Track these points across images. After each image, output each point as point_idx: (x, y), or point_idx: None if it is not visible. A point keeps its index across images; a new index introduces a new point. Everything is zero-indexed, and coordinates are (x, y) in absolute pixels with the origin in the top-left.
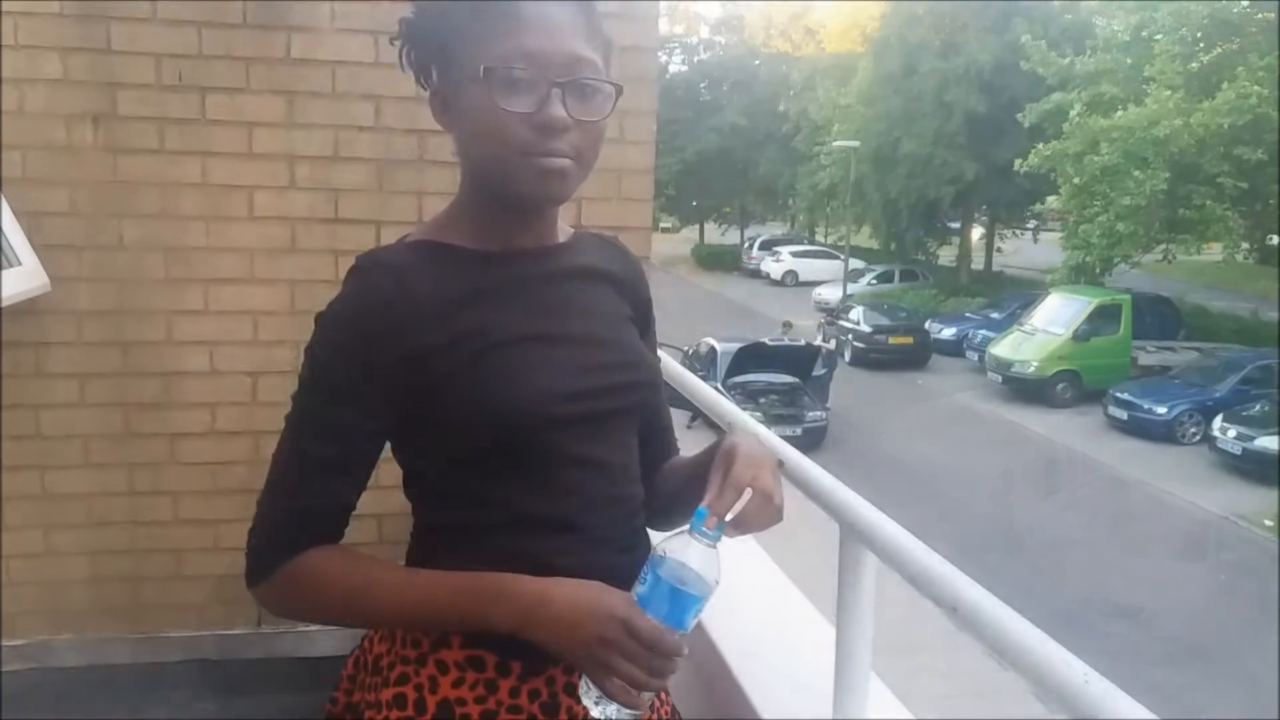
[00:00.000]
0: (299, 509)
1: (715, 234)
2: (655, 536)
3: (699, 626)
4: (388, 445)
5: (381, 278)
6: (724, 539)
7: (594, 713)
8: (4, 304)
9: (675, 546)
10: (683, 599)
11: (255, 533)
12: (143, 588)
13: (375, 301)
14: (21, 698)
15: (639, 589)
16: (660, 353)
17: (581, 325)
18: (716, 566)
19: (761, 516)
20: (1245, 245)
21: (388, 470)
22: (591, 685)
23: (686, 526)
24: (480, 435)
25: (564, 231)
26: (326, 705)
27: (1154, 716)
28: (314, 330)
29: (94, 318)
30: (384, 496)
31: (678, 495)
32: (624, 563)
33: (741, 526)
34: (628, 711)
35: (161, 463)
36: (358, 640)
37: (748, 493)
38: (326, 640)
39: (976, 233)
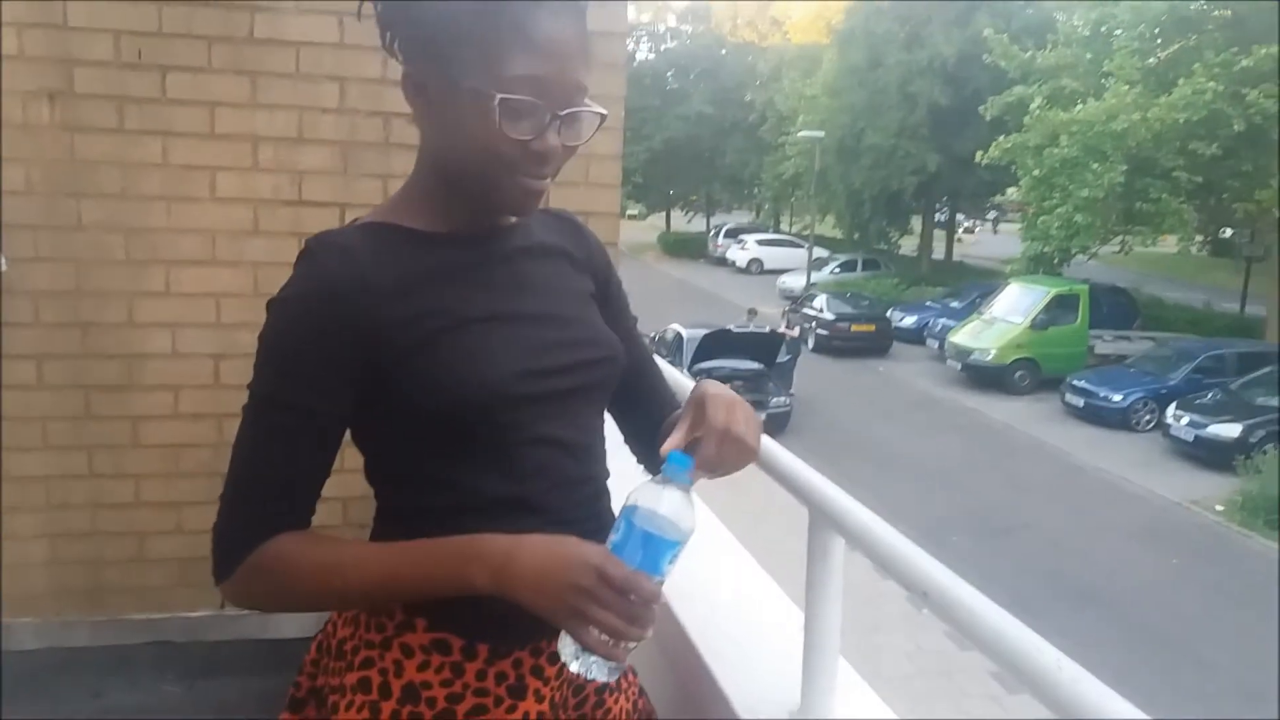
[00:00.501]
0: (262, 499)
1: (682, 222)
2: None
3: (667, 610)
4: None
5: (332, 260)
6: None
7: (572, 667)
8: None
9: (647, 493)
10: (657, 545)
11: (220, 527)
12: (104, 571)
13: (326, 284)
14: None
15: (613, 538)
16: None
17: (537, 303)
18: (691, 511)
19: (736, 457)
20: (1199, 238)
21: (352, 453)
22: (569, 640)
23: (662, 475)
24: (438, 417)
25: None
26: (290, 690)
27: (1125, 703)
28: (266, 317)
29: (52, 298)
30: (349, 480)
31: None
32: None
33: (716, 469)
34: (607, 665)
35: (123, 445)
36: (321, 623)
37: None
38: (290, 623)
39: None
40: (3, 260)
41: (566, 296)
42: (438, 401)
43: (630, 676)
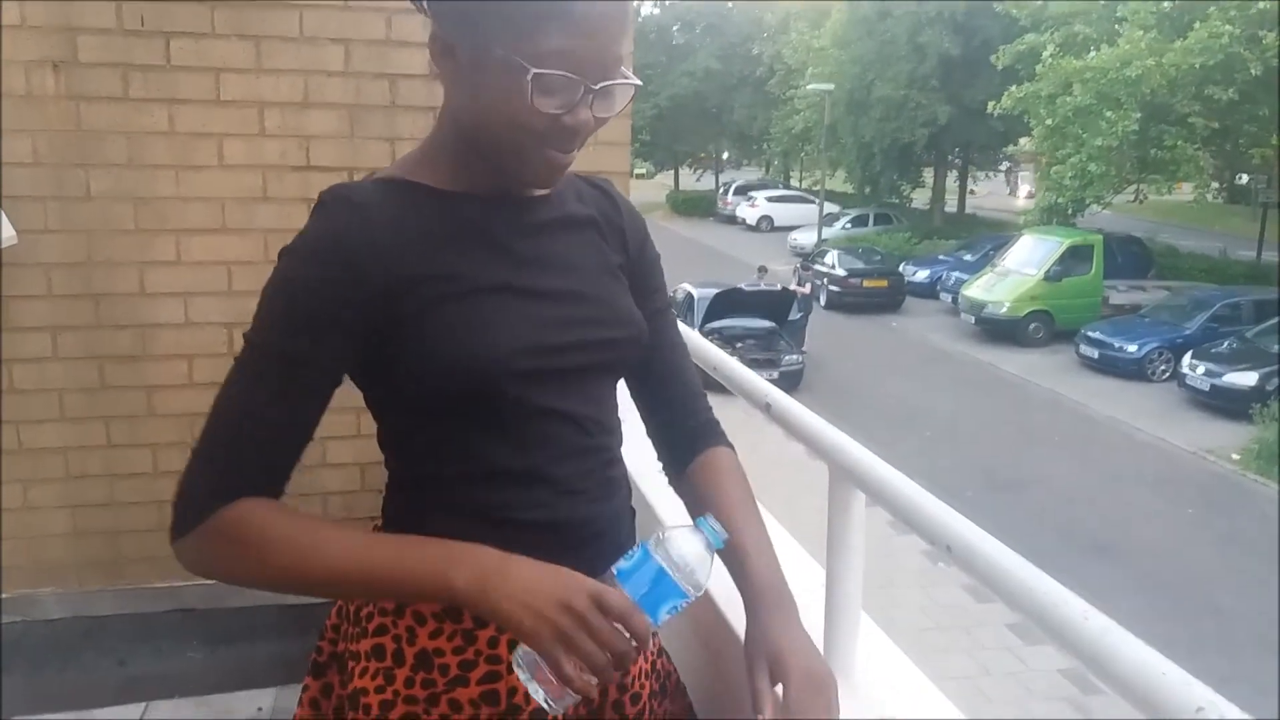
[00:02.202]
0: (238, 453)
1: (690, 180)
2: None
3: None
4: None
5: (344, 213)
6: None
7: (522, 680)
8: None
9: (677, 534)
10: (666, 588)
11: (188, 478)
12: (124, 540)
13: (336, 238)
14: (8, 650)
15: (623, 563)
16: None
17: (558, 279)
18: (708, 573)
19: None
20: (1215, 185)
21: (368, 419)
22: (529, 658)
23: (691, 523)
24: (443, 384)
25: None
26: (311, 655)
27: (1154, 653)
28: (272, 275)
29: (63, 270)
30: (366, 446)
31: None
32: (597, 513)
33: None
34: (561, 697)
35: (139, 415)
36: None
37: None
38: None
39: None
40: (10, 230)
41: (589, 272)
42: (441, 369)
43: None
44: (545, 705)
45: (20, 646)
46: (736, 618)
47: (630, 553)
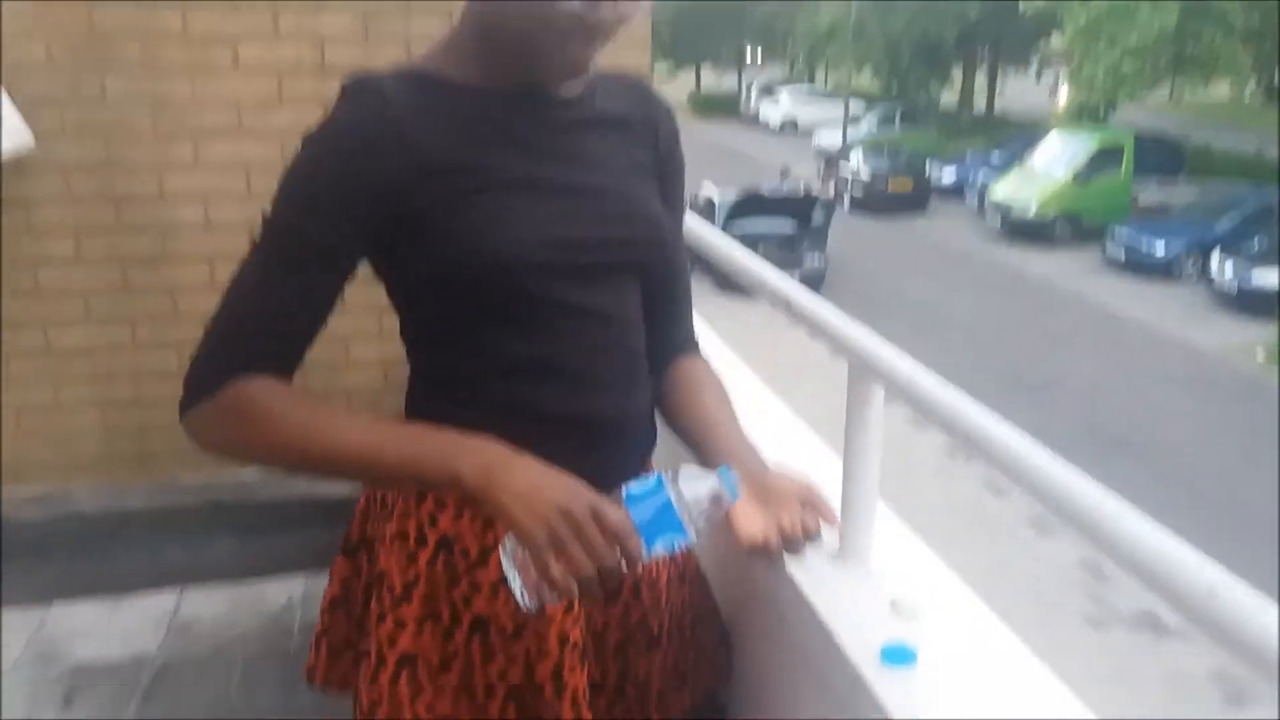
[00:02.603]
0: (251, 332)
1: (712, 79)
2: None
3: None
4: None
5: (369, 101)
6: None
7: (514, 587)
8: None
9: (694, 473)
10: (668, 521)
11: (200, 352)
12: (152, 436)
13: (359, 126)
14: (43, 541)
15: (634, 486)
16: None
17: (585, 176)
18: (711, 523)
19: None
20: (1253, 82)
21: (391, 318)
22: (511, 549)
23: (714, 472)
24: (464, 277)
25: None
26: (342, 537)
27: (1168, 534)
28: (293, 159)
29: (83, 173)
30: (389, 344)
31: (676, 428)
32: (620, 408)
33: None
34: (539, 595)
35: (163, 317)
36: None
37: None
38: (339, 482)
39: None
40: (28, 135)
41: (618, 171)
42: (461, 262)
43: None
44: (520, 601)
45: (57, 537)
46: None
47: (644, 478)
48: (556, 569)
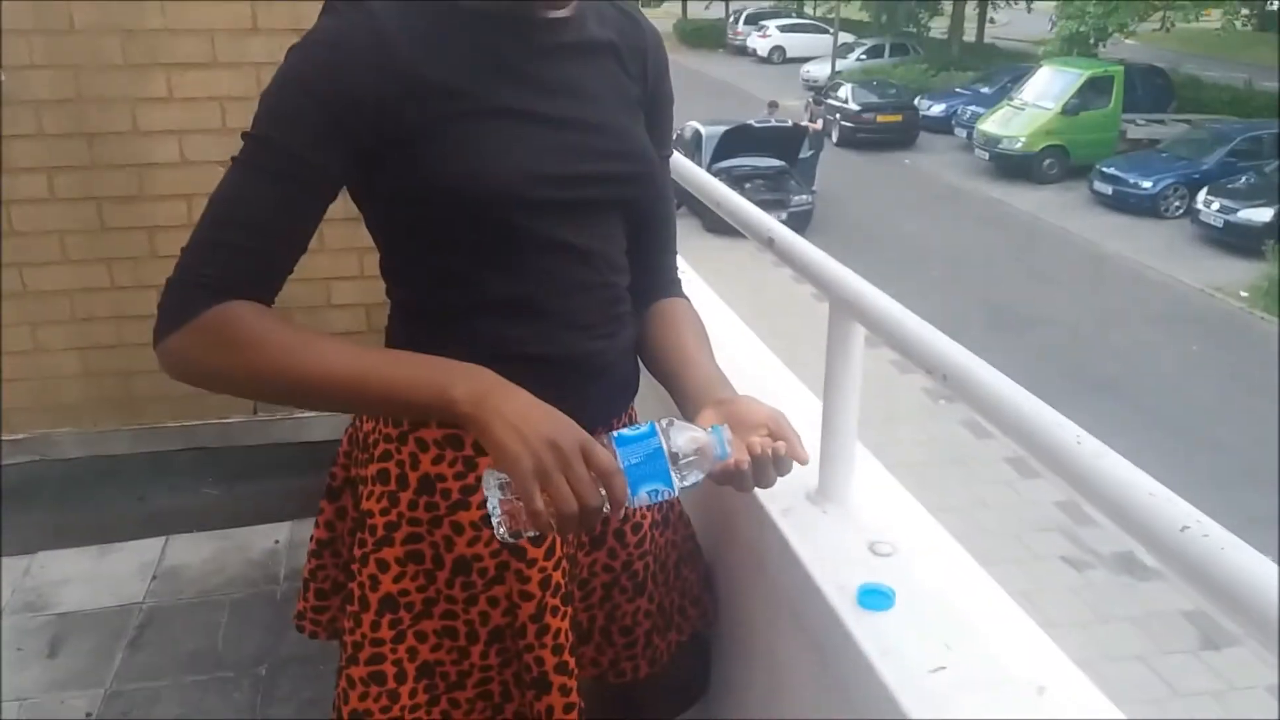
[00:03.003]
0: (231, 252)
1: (699, 8)
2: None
3: None
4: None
5: (358, 16)
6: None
7: (492, 515)
8: None
9: (688, 430)
10: (655, 468)
11: (177, 274)
12: (136, 381)
13: (348, 36)
14: (27, 488)
15: (626, 430)
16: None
17: (573, 107)
18: (698, 479)
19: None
20: (1245, 11)
21: (372, 259)
22: (500, 481)
23: (710, 430)
24: (447, 209)
25: None
26: (326, 480)
27: (1146, 476)
28: (276, 74)
29: (54, 107)
30: (371, 286)
31: (651, 364)
32: (602, 349)
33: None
34: (518, 530)
35: (141, 257)
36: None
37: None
38: (322, 425)
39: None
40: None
41: (608, 102)
42: (445, 192)
43: None
44: (496, 531)
45: (41, 484)
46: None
47: (636, 425)
48: (540, 500)
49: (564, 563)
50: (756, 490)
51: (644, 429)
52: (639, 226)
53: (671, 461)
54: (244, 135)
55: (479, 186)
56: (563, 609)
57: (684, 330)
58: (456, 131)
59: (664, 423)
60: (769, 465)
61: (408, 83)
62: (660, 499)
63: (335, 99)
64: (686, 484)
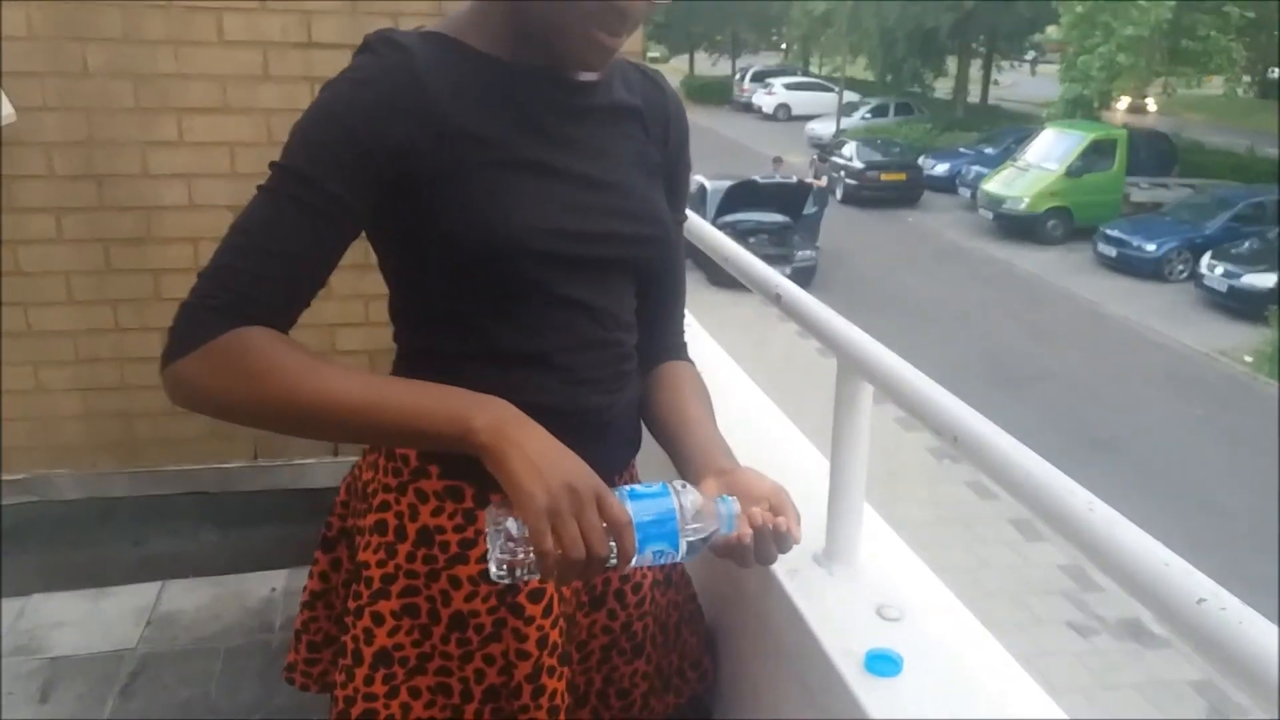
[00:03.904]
0: (249, 279)
1: (706, 65)
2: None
3: None
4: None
5: (393, 56)
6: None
7: (489, 538)
8: None
9: (699, 496)
10: (665, 529)
11: (192, 298)
12: (136, 423)
13: (383, 75)
14: (23, 529)
15: (639, 487)
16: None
17: (592, 166)
18: (701, 546)
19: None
20: (1246, 78)
21: (377, 307)
22: (499, 517)
23: (715, 497)
24: (460, 256)
25: None
26: (321, 530)
27: (1159, 545)
28: (309, 108)
29: (65, 149)
30: (375, 333)
31: (653, 426)
32: (607, 404)
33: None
34: (516, 568)
35: (145, 299)
36: (349, 469)
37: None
38: (322, 472)
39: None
40: (9, 108)
41: (627, 165)
42: (460, 239)
43: None
44: (492, 568)
45: (37, 525)
46: None
47: (649, 483)
48: (550, 540)
49: (561, 621)
50: None
51: (657, 487)
52: (649, 288)
53: (683, 524)
54: (273, 164)
55: (495, 236)
56: (559, 669)
57: (687, 394)
58: (479, 180)
59: (677, 484)
60: (770, 541)
61: (439, 126)
62: (663, 561)
63: (368, 137)
64: (690, 552)
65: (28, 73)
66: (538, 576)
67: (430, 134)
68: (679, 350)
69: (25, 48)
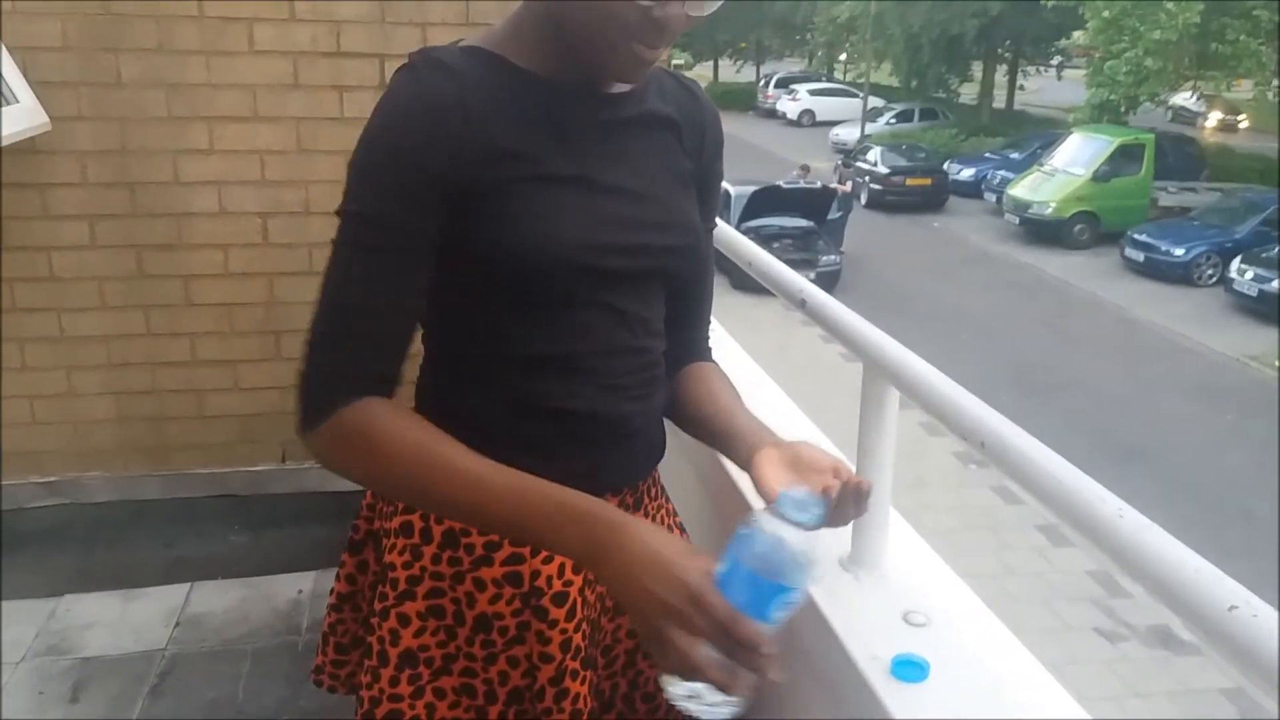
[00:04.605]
0: (354, 339)
1: (730, 71)
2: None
3: (719, 466)
4: None
5: (436, 75)
6: None
7: (673, 693)
8: (5, 143)
9: (760, 527)
10: (765, 587)
11: (307, 369)
12: (167, 427)
13: (429, 97)
14: (56, 531)
15: (719, 568)
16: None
17: (627, 178)
18: (811, 554)
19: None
20: (1276, 82)
21: None
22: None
23: (771, 506)
24: (495, 268)
25: None
26: (349, 533)
27: (1189, 551)
28: (362, 134)
29: (98, 157)
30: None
31: (689, 421)
32: (636, 410)
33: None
34: (713, 705)
35: (176, 305)
36: None
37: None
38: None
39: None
40: (43, 116)
41: (662, 175)
42: (496, 253)
43: (677, 533)
44: (716, 712)
45: (69, 527)
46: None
47: (723, 555)
48: (673, 662)
49: (585, 625)
50: None
51: (729, 559)
52: (678, 295)
53: (774, 568)
54: (341, 213)
55: (534, 251)
56: (582, 673)
57: (721, 386)
58: (516, 194)
59: (738, 534)
60: (848, 503)
61: (481, 141)
62: (797, 600)
63: (428, 161)
64: (806, 573)
65: (62, 83)
66: (732, 692)
67: (475, 150)
68: (705, 353)
69: (60, 58)
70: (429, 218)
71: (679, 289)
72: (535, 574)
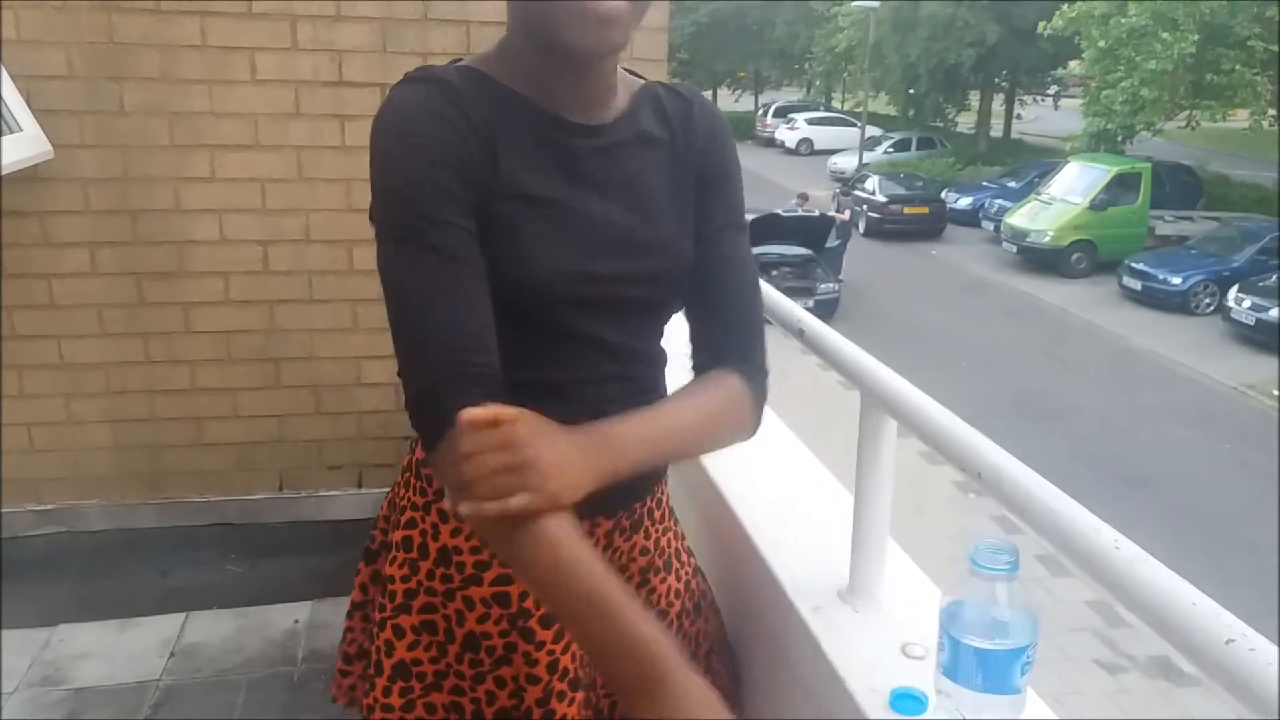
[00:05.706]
0: (445, 342)
1: (729, 100)
2: None
3: (718, 494)
4: None
5: (441, 89)
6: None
7: None
8: (6, 171)
9: (966, 597)
10: (996, 657)
11: (413, 396)
12: (165, 455)
13: (439, 102)
14: (52, 560)
15: (942, 657)
16: None
17: (615, 205)
18: (1024, 602)
19: None
20: (1272, 111)
21: None
22: None
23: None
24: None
25: (628, 85)
26: (366, 542)
27: (1185, 584)
28: (374, 152)
29: (100, 185)
30: None
31: None
32: None
33: None
34: None
35: (176, 332)
36: (378, 500)
37: None
38: (346, 504)
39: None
40: (46, 144)
41: (653, 194)
42: (493, 273)
43: (685, 557)
44: None
45: (66, 556)
46: (765, 543)
47: (941, 642)
48: None
49: (573, 646)
50: (785, 586)
51: (946, 644)
52: (691, 307)
53: (997, 633)
54: (384, 225)
55: (509, 276)
56: (571, 694)
57: (683, 390)
58: (502, 215)
59: (946, 613)
60: None
61: (479, 156)
62: (1033, 654)
63: (456, 160)
64: (1030, 622)
65: (66, 111)
66: None
67: (474, 164)
68: (731, 358)
69: (65, 87)
70: (468, 209)
71: (677, 307)
72: (523, 595)
